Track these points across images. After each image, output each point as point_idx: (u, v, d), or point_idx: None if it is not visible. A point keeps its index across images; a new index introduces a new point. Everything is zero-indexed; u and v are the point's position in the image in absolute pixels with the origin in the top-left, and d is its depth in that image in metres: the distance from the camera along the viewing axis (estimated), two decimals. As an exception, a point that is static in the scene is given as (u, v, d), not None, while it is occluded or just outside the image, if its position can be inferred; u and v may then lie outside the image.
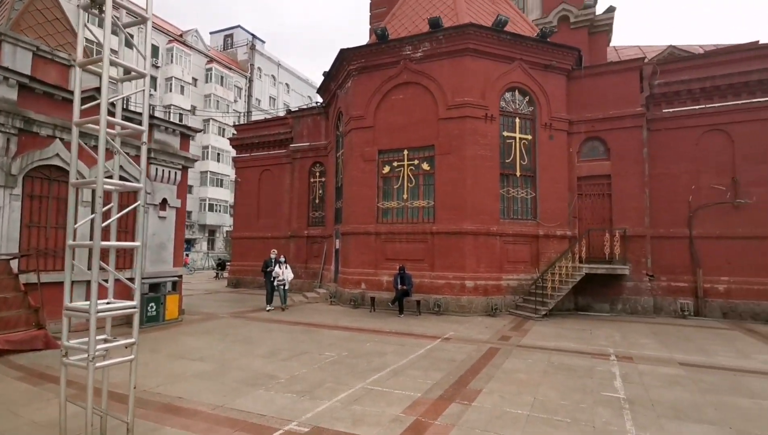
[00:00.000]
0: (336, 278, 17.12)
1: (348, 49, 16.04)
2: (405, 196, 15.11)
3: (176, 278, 12.53)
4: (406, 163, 15.15)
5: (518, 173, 14.97)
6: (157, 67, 42.80)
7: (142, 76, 4.38)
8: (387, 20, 18.00)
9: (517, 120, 15.12)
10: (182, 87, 44.70)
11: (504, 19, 14.52)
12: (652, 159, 15.12)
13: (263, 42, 57.98)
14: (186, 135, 13.15)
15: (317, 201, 20.55)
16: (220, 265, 29.80)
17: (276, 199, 21.73)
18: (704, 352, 9.13)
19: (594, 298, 14.93)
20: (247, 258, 21.95)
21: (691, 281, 14.36)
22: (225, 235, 48.06)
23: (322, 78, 19.24)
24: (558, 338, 10.26)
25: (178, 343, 9.36)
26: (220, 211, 48.38)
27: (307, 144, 20.75)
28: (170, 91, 43.64)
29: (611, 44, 23.58)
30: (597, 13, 20.57)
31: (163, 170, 12.21)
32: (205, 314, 13.23)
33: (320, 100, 21.45)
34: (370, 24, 25.43)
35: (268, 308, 14.14)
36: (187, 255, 35.54)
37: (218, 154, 47.71)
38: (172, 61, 43.67)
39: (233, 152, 25.33)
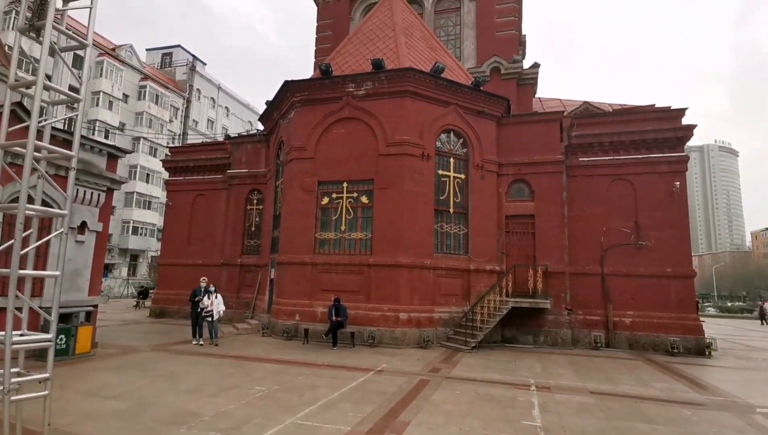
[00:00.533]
0: (269, 309, 16.68)
1: (292, 81, 16.31)
2: (343, 228, 15.29)
3: (91, 308, 11.61)
4: (345, 195, 15.41)
5: (452, 210, 15.76)
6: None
7: (76, 101, 4.29)
8: (332, 57, 18.58)
9: (452, 160, 16.04)
10: (111, 102, 42.34)
11: (441, 66, 15.59)
12: (570, 201, 16.60)
13: (204, 63, 56.83)
14: (114, 155, 12.51)
15: (253, 229, 20.11)
16: (142, 294, 27.80)
17: (209, 225, 20.97)
18: (612, 381, 9.99)
19: (519, 331, 15.79)
20: (174, 286, 20.76)
21: (603, 315, 15.69)
22: (150, 260, 45.03)
23: (265, 106, 19.26)
24: (485, 370, 10.72)
25: (90, 378, 8.63)
26: (145, 234, 45.41)
27: (246, 171, 20.44)
28: (97, 105, 41.13)
29: (537, 95, 25.93)
30: (524, 68, 22.65)
31: (85, 191, 11.48)
32: (122, 348, 12.29)
33: (261, 126, 21.36)
34: (315, 57, 26.01)
35: (194, 342, 13.27)
36: (101, 282, 32.79)
37: (148, 175, 45.20)
38: (101, 75, 41.38)
39: (165, 174, 24.27)
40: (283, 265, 15.78)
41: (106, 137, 40.70)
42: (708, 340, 14.60)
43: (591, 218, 16.37)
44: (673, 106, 16.94)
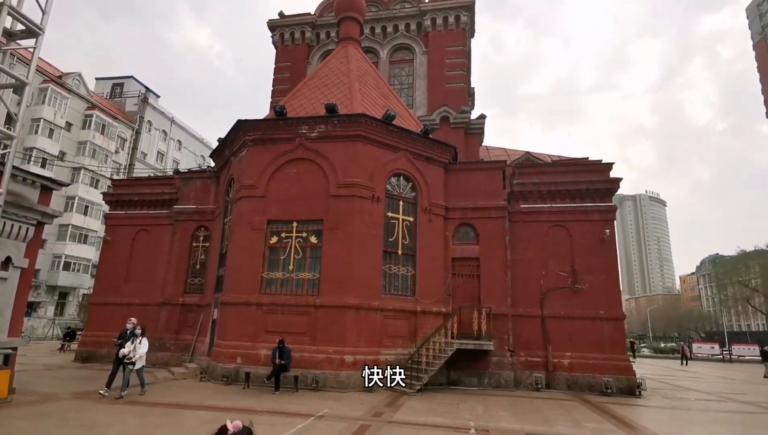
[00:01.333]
0: (210, 352, 15.92)
1: (246, 120, 16.44)
2: (291, 268, 15.14)
3: (9, 351, 10.63)
4: (294, 234, 15.37)
5: (400, 251, 16.07)
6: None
7: (9, 138, 4.21)
8: (287, 99, 18.99)
9: (401, 203, 16.52)
10: (51, 130, 40.34)
11: (392, 114, 16.33)
12: (512, 246, 17.40)
13: (157, 96, 55.83)
14: (48, 187, 11.90)
15: (198, 267, 19.41)
16: (68, 335, 25.62)
17: (150, 261, 20.01)
18: (548, 422, 10.28)
19: (464, 373, 15.94)
20: (106, 327, 19.32)
21: (544, 356, 16.22)
22: (81, 299, 41.83)
23: (218, 143, 19.16)
24: (428, 413, 10.71)
25: (5, 426, 7.82)
26: (78, 270, 42.34)
27: (194, 207, 19.93)
28: (35, 133, 39.04)
29: (484, 143, 27.50)
30: (472, 118, 24.13)
31: (12, 225, 10.77)
32: (42, 394, 11.24)
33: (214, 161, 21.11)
34: (272, 98, 26.42)
35: (101, 392, 11.36)
36: (23, 322, 30.04)
37: (86, 207, 42.72)
38: (43, 102, 39.58)
39: (105, 207, 23.14)
40: (227, 305, 15.27)
41: (44, 166, 38.49)
42: (638, 380, 15.39)
43: (532, 262, 17.19)
44: (604, 160, 18.51)
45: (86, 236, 42.75)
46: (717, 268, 67.91)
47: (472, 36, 28.32)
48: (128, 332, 12.13)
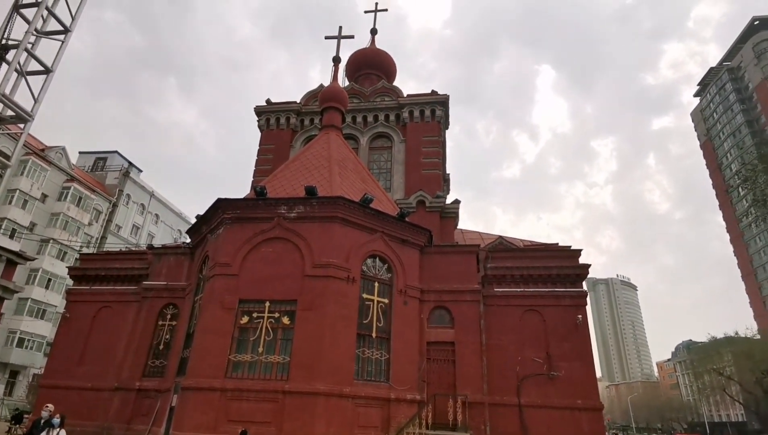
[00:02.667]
0: (164, 444, 14.62)
1: (226, 199, 16.76)
2: (260, 350, 14.58)
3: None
4: (266, 314, 15.03)
5: (374, 334, 15.77)
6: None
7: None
8: (268, 179, 19.58)
9: (377, 284, 16.55)
10: (25, 201, 39.78)
11: (370, 197, 16.95)
12: (487, 330, 17.31)
13: (140, 170, 56.44)
14: (13, 262, 11.59)
15: (161, 347, 18.40)
16: (16, 418, 23.22)
17: (110, 341, 18.92)
18: None
19: (440, 468, 14.95)
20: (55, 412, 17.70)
21: (522, 450, 15.47)
22: (31, 379, 38.48)
23: (195, 219, 19.25)
24: None
25: None
26: (32, 348, 39.37)
27: (164, 283, 19.40)
28: (9, 203, 38.41)
29: (460, 226, 28.35)
30: (447, 202, 25.12)
31: (-32, 300, 10.28)
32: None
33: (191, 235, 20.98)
34: (254, 177, 27.14)
35: None
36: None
37: (49, 281, 40.90)
38: (22, 174, 39.47)
39: (70, 280, 22.28)
40: (189, 390, 14.35)
41: (12, 237, 37.35)
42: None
43: (507, 347, 17.03)
44: (574, 245, 19.34)
45: (44, 311, 40.42)
46: (691, 354, 68.05)
47: (447, 127, 30.44)
48: (42, 422, 10.60)
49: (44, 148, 43.56)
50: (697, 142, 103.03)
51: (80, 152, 54.72)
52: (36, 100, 8.93)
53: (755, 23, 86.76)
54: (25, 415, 22.62)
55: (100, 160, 54.17)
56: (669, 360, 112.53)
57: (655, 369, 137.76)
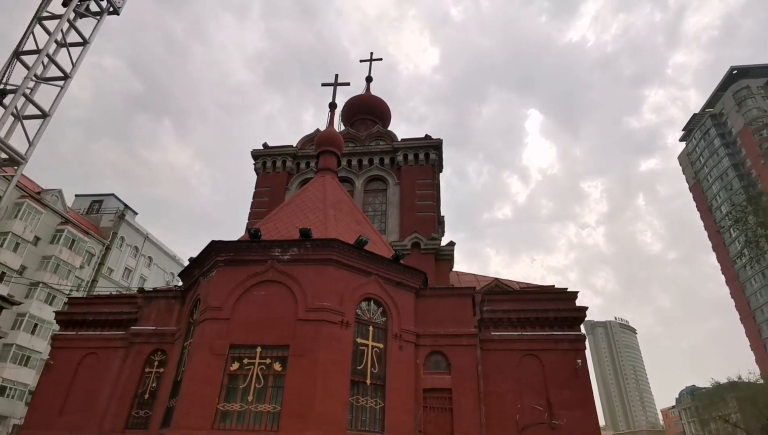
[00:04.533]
0: (145, 502, 13.73)
1: (219, 241, 16.67)
2: (250, 399, 14.02)
3: None
4: (257, 360, 14.57)
5: (369, 381, 15.26)
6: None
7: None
8: (263, 222, 19.60)
9: (371, 328, 16.21)
10: (17, 244, 39.41)
11: (364, 239, 16.93)
12: (485, 376, 16.79)
13: (135, 213, 56.46)
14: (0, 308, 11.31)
15: (146, 396, 17.62)
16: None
17: (94, 389, 18.14)
18: None
19: None
20: (27, 470, 16.73)
21: (525, 506, 14.62)
22: (11, 430, 36.54)
23: (188, 262, 19.04)
24: None
25: None
26: (13, 397, 37.70)
27: (153, 328, 18.90)
28: (0, 246, 38.01)
29: (456, 268, 28.25)
30: (442, 244, 25.14)
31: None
32: None
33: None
34: (249, 219, 27.19)
35: None
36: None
37: (35, 326, 39.84)
38: (16, 217, 39.33)
39: (57, 325, 21.65)
40: (173, 444, 13.64)
41: (0, 281, 36.67)
42: None
43: (505, 394, 16.48)
44: (570, 287, 19.14)
45: (29, 358, 39.08)
46: (696, 401, 66.08)
47: (441, 170, 30.97)
48: None
49: (40, 190, 43.68)
50: (685, 184, 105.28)
51: (77, 195, 54.92)
52: (30, 144, 9.07)
53: (733, 72, 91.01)
54: None
55: (96, 202, 54.31)
56: (674, 407, 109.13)
57: (660, 416, 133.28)
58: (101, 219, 51.22)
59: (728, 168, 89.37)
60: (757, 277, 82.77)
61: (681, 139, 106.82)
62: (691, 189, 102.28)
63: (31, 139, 9.14)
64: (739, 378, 51.23)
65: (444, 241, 26.38)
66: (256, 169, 29.64)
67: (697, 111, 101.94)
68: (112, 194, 55.48)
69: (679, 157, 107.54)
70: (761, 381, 53.35)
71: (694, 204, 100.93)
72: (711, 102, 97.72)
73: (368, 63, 33.99)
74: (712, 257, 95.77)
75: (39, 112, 10.07)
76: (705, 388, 59.59)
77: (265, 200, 27.95)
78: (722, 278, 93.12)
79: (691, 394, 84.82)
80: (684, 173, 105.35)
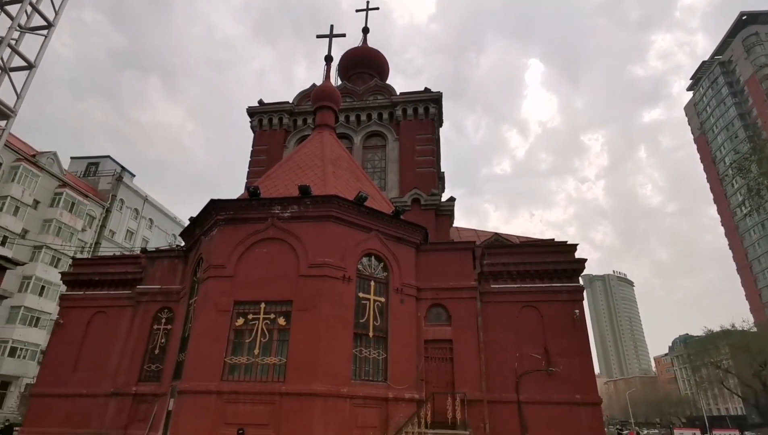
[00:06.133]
0: (161, 449, 14.43)
1: (219, 200, 16.58)
2: (256, 352, 14.42)
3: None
4: (262, 316, 14.87)
5: (371, 334, 15.64)
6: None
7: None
8: (261, 180, 19.42)
9: (372, 283, 16.42)
10: (17, 208, 39.41)
11: (364, 195, 16.82)
12: (485, 327, 17.18)
13: (133, 175, 56.07)
14: (2, 267, 11.40)
15: (156, 352, 18.18)
16: (5, 431, 22.88)
17: (105, 346, 18.68)
18: None
19: (440, 467, 14.83)
20: (45, 422, 17.50)
21: (522, 446, 15.36)
22: (23, 389, 38.00)
23: (189, 222, 19.05)
24: None
25: None
26: (25, 357, 38.95)
27: (158, 287, 19.20)
28: (0, 210, 38.00)
29: (455, 224, 28.29)
30: (442, 200, 25.05)
31: (-45, 306, 10.08)
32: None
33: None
34: (248, 178, 26.97)
35: None
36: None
37: (43, 288, 40.52)
38: (13, 180, 39.09)
39: (63, 287, 21.99)
40: (184, 394, 14.16)
41: (3, 244, 36.96)
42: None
43: (505, 344, 16.92)
44: (569, 241, 19.19)
45: (38, 319, 40.02)
46: (688, 349, 68.29)
47: (441, 125, 30.37)
48: None
49: (35, 153, 43.15)
50: (688, 134, 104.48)
51: (72, 157, 54.30)
52: (18, 96, 8.83)
53: (743, 18, 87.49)
54: (15, 428, 22.27)
55: (93, 165, 53.78)
56: (666, 355, 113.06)
57: (653, 364, 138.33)
58: (99, 181, 50.92)
59: (734, 117, 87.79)
60: (757, 228, 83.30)
61: (688, 89, 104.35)
62: (695, 140, 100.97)
63: (18, 92, 8.90)
64: (733, 326, 52.58)
65: (444, 197, 26.31)
66: (252, 127, 29.09)
67: (705, 58, 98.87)
68: (108, 156, 54.88)
69: (686, 108, 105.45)
70: (755, 329, 54.82)
71: (697, 155, 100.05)
72: (720, 49, 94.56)
73: (364, 12, 32.57)
74: (713, 209, 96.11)
75: (25, 64, 9.78)
76: (698, 336, 61.30)
77: (262, 159, 27.60)
78: (721, 230, 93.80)
79: (684, 342, 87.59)
80: (689, 124, 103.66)
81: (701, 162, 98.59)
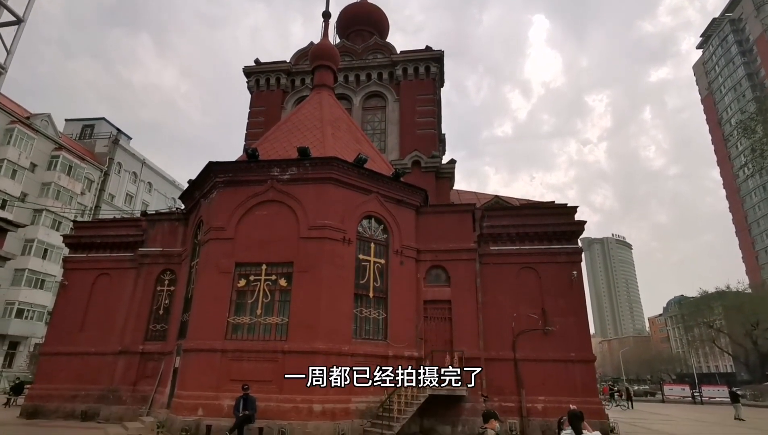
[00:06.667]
0: (170, 403, 14.96)
1: (217, 162, 16.41)
2: (259, 312, 14.69)
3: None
4: (263, 277, 15.04)
5: (371, 294, 15.88)
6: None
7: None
8: (260, 142, 19.15)
9: (372, 245, 16.51)
10: (15, 171, 39.14)
11: (364, 157, 16.63)
12: (484, 288, 17.43)
13: (129, 137, 55.36)
14: (3, 229, 11.42)
15: (161, 312, 18.55)
16: (16, 389, 23.69)
17: (110, 307, 19.03)
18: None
19: (437, 420, 15.44)
20: (56, 379, 18.09)
21: (517, 401, 15.94)
22: (32, 349, 39.07)
23: (188, 185, 18.95)
24: (398, 465, 10.23)
25: None
26: (32, 318, 39.79)
27: (160, 249, 19.34)
28: (-2, 173, 37.79)
29: (455, 187, 28.16)
30: (442, 163, 24.81)
31: (-41, 268, 10.16)
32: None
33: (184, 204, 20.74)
34: (246, 141, 26.59)
35: None
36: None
37: (46, 251, 40.86)
38: (8, 143, 38.61)
39: (66, 250, 22.17)
40: (190, 353, 14.56)
41: (2, 207, 36.97)
42: (611, 424, 15.25)
43: (503, 304, 17.22)
44: (569, 204, 19.15)
45: (43, 281, 40.60)
46: (682, 309, 69.72)
47: (442, 85, 29.65)
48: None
49: (29, 115, 42.41)
50: (695, 93, 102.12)
51: (66, 120, 53.42)
52: (8, 52, 8.55)
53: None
54: (26, 386, 22.99)
55: (88, 127, 52.95)
56: (660, 315, 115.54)
57: (647, 325, 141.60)
58: (95, 144, 50.29)
59: (742, 78, 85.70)
60: (758, 191, 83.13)
61: (698, 47, 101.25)
62: (702, 101, 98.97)
63: (8, 47, 8.62)
64: (728, 287, 53.44)
65: (445, 160, 26.03)
66: (249, 88, 28.41)
67: (716, 14, 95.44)
68: (103, 118, 53.97)
69: (694, 67, 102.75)
70: (749, 290, 55.74)
71: (704, 117, 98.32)
72: (731, 6, 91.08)
73: (363, -35, 31.05)
74: (715, 172, 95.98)
75: (13, 18, 9.41)
76: (693, 297, 62.43)
77: (260, 120, 27.13)
78: (722, 193, 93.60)
79: (679, 303, 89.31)
80: (697, 84, 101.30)
81: (707, 123, 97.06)
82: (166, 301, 18.63)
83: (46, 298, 40.00)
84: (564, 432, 6.13)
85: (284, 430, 12.80)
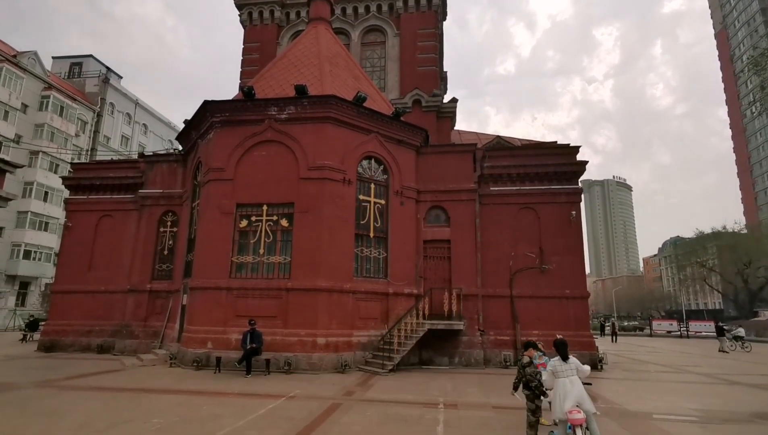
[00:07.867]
0: (180, 338, 15.68)
1: (213, 101, 15.99)
2: (261, 251, 14.98)
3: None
4: (264, 218, 15.17)
5: (372, 234, 16.10)
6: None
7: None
8: (255, 79, 18.53)
9: (373, 185, 16.50)
10: (6, 112, 38.23)
11: (363, 96, 16.17)
12: (483, 228, 17.64)
13: (120, 77, 53.48)
14: (1, 170, 11.33)
15: (165, 252, 18.93)
16: (30, 326, 24.70)
17: (115, 248, 19.39)
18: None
19: (436, 353, 16.25)
20: (69, 316, 18.81)
21: (512, 335, 16.67)
22: (43, 288, 40.26)
23: (183, 125, 18.58)
24: (398, 391, 10.91)
25: (-49, 422, 7.52)
26: (40, 259, 40.64)
27: (160, 191, 19.36)
28: (-11, 114, 36.92)
29: (456, 127, 27.65)
30: (444, 102, 24.19)
31: (-38, 208, 10.22)
32: (2, 385, 10.85)
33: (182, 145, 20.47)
34: (241, 79, 25.76)
35: None
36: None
37: (46, 193, 40.88)
38: (-3, 82, 37.38)
39: (66, 192, 22.19)
40: (197, 290, 15.02)
41: (-2, 149, 36.51)
42: (601, 355, 16.07)
43: (501, 244, 17.50)
44: (571, 144, 18.89)
45: (47, 224, 41.00)
46: (677, 250, 71.00)
47: (444, 18, 28.21)
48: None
49: (15, 53, 40.69)
50: (709, 27, 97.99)
51: (54, 57, 51.29)
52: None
53: None
54: (41, 322, 23.91)
55: (76, 65, 50.97)
56: (655, 255, 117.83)
57: (642, 265, 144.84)
58: (85, 84, 48.64)
59: (756, 12, 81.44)
60: (764, 131, 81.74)
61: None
62: (716, 36, 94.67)
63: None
64: (724, 228, 54.06)
65: (446, 99, 25.33)
66: (242, 22, 27.05)
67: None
68: (91, 55, 51.76)
69: None
70: (745, 231, 56.43)
71: (716, 53, 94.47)
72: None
73: None
74: (722, 111, 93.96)
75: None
76: (688, 238, 63.34)
77: (255, 57, 26.10)
78: (728, 133, 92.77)
79: (674, 244, 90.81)
80: (712, 17, 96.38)
81: (719, 59, 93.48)
82: (170, 242, 18.93)
83: (51, 240, 40.59)
84: (552, 359, 6.43)
85: (290, 361, 13.50)
